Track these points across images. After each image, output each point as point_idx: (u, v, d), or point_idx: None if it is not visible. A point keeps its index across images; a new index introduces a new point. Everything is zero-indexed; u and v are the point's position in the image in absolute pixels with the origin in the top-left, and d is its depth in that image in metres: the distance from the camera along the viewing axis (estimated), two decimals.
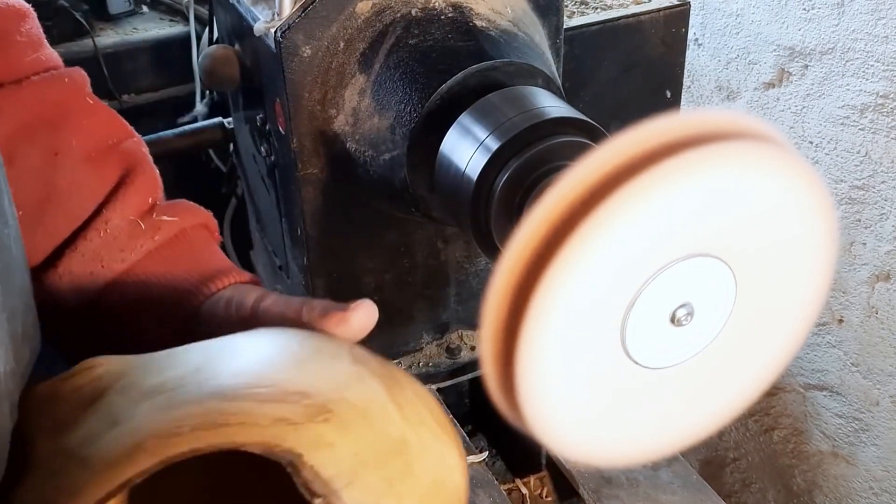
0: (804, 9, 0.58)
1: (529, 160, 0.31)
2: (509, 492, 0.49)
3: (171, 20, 0.73)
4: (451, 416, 0.40)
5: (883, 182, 0.57)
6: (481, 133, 0.33)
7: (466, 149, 0.33)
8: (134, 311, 0.31)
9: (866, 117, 0.56)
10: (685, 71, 0.50)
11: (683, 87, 0.50)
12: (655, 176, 0.21)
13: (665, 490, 0.44)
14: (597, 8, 0.47)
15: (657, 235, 0.22)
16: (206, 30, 0.62)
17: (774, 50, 0.61)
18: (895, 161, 0.56)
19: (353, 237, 0.42)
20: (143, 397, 0.21)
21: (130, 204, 0.31)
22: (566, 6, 0.43)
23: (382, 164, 0.37)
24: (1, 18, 0.31)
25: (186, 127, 0.56)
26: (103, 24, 0.72)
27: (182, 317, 0.30)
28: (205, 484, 0.25)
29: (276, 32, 0.36)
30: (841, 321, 0.63)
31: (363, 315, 0.26)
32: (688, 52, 0.50)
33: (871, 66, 0.55)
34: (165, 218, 0.32)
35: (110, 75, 0.67)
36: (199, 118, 0.64)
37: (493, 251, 0.33)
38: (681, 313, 0.24)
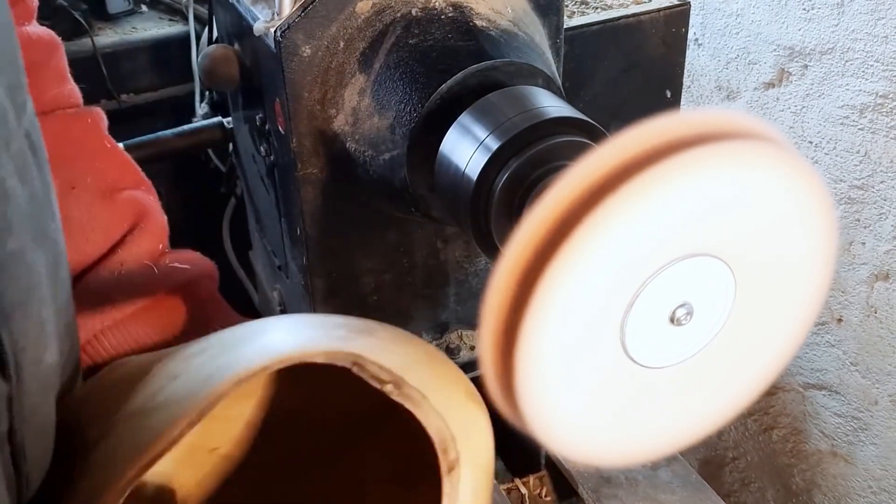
0: (804, 9, 0.58)
1: (529, 160, 0.31)
2: (508, 491, 0.49)
3: (171, 20, 0.73)
4: None
5: (882, 182, 0.57)
6: (481, 133, 0.33)
7: (466, 148, 0.33)
8: (132, 352, 0.31)
9: (866, 117, 0.56)
10: (685, 71, 0.50)
11: (683, 86, 0.50)
12: (655, 175, 0.21)
13: (664, 489, 0.44)
14: (597, 8, 0.47)
15: (657, 235, 0.22)
16: (206, 29, 0.62)
17: (774, 50, 0.61)
18: (894, 161, 0.56)
19: (352, 237, 0.42)
20: (192, 356, 0.22)
21: (145, 248, 0.32)
22: (566, 6, 0.43)
23: (382, 163, 0.37)
24: (35, 49, 0.31)
25: (185, 126, 0.56)
26: (102, 23, 0.71)
27: None
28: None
29: (275, 32, 0.36)
30: (840, 320, 0.63)
31: None
32: (688, 52, 0.50)
33: (871, 66, 0.55)
34: (177, 265, 0.33)
35: (109, 75, 0.66)
36: (203, 119, 0.64)
37: (492, 251, 0.33)
38: (680, 313, 0.24)
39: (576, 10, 0.47)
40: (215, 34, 0.50)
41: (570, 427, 0.25)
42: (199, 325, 0.32)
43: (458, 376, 0.21)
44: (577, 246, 0.21)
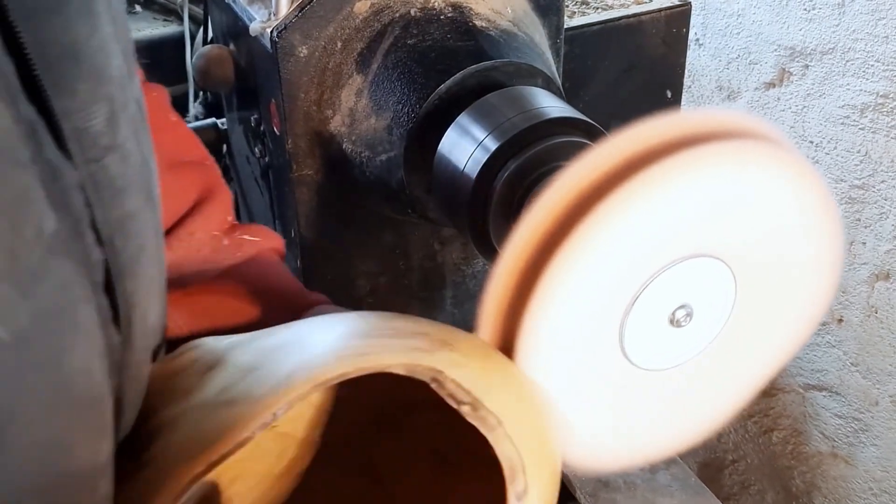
0: (805, 9, 0.58)
1: (529, 160, 0.31)
2: None
3: (165, 20, 0.72)
4: None
5: (883, 181, 0.57)
6: (480, 133, 0.33)
7: (465, 149, 0.33)
8: (204, 325, 0.30)
9: (866, 117, 0.56)
10: (686, 71, 0.50)
11: (684, 87, 0.50)
12: (654, 174, 0.21)
13: (663, 493, 0.44)
14: (598, 8, 0.47)
15: (656, 235, 0.22)
16: (201, 29, 0.62)
17: (775, 50, 0.61)
18: (895, 160, 0.56)
19: (347, 239, 0.41)
20: (271, 350, 0.22)
21: (214, 219, 0.32)
22: (567, 6, 0.43)
23: (379, 164, 0.37)
24: None
25: None
26: None
27: None
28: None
29: (272, 32, 0.36)
30: (840, 321, 0.63)
31: None
32: (689, 52, 0.50)
33: (872, 65, 0.55)
34: (247, 237, 0.32)
35: None
36: (197, 118, 0.64)
37: (490, 252, 0.32)
38: (680, 314, 0.24)
39: (576, 10, 0.47)
40: (210, 34, 0.50)
41: (567, 430, 0.24)
42: (268, 298, 0.31)
43: (535, 399, 0.21)
44: (575, 246, 0.21)
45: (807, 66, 0.59)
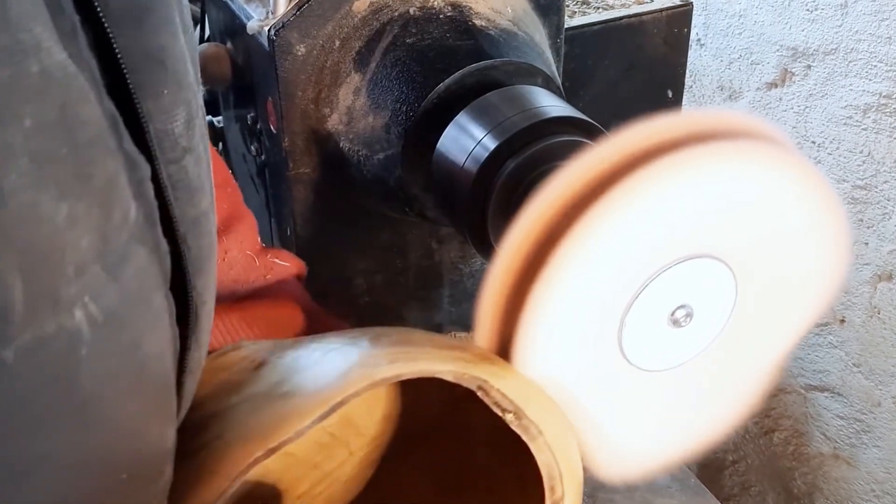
0: (807, 9, 0.57)
1: (528, 159, 0.31)
2: None
3: None
4: None
5: (885, 182, 0.57)
6: (479, 132, 0.32)
7: (464, 147, 0.33)
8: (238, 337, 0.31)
9: (869, 117, 0.56)
10: (687, 71, 0.49)
11: (685, 87, 0.50)
12: (654, 173, 0.21)
13: (662, 494, 0.44)
14: (598, 7, 0.47)
15: (656, 234, 0.22)
16: (198, 27, 0.62)
17: (777, 50, 0.61)
18: None
19: (344, 238, 0.41)
20: (320, 352, 0.23)
21: (248, 239, 0.33)
22: (567, 6, 0.43)
23: (376, 163, 0.36)
24: None
25: None
26: None
27: None
28: None
29: (269, 30, 0.36)
30: (843, 321, 0.63)
31: None
32: (690, 53, 0.50)
33: (875, 66, 0.54)
34: (277, 261, 0.33)
35: None
36: None
37: (488, 251, 0.32)
38: (680, 314, 0.24)
39: (577, 9, 0.46)
40: (207, 32, 0.49)
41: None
42: (293, 323, 0.32)
43: (563, 414, 0.23)
44: (573, 244, 0.21)
45: (809, 67, 0.59)
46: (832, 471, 0.67)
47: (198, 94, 0.18)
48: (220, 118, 0.54)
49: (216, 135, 0.54)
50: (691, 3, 0.47)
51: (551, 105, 0.32)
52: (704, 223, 0.22)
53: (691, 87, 0.69)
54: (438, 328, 0.47)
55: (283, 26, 0.35)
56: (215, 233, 0.20)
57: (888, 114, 0.55)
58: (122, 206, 0.15)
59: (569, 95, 0.39)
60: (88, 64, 0.14)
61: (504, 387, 0.21)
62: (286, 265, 0.33)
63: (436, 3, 0.36)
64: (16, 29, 0.12)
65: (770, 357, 0.26)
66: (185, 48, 0.17)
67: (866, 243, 0.59)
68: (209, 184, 0.19)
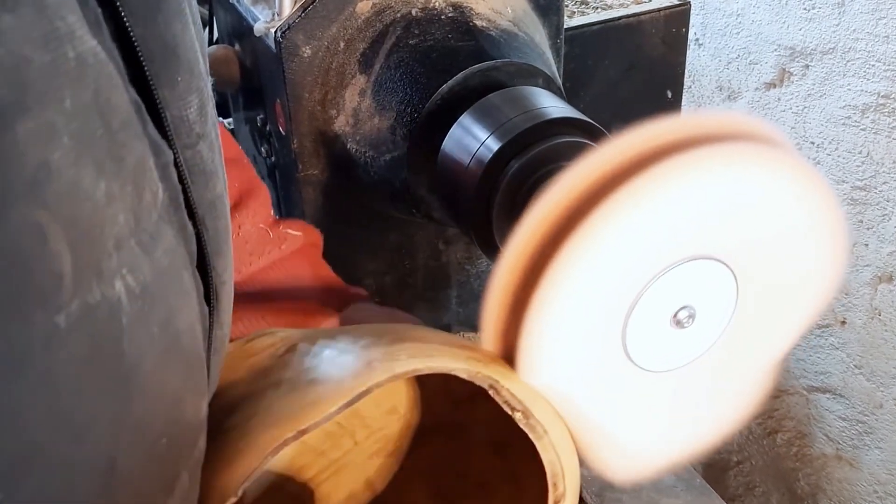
0: (805, 8, 0.58)
1: (531, 160, 0.31)
2: None
3: None
4: None
5: (885, 183, 0.57)
6: (482, 133, 0.33)
7: (468, 149, 0.33)
8: (246, 317, 0.31)
9: (868, 117, 0.56)
10: (686, 71, 0.50)
11: (684, 87, 0.50)
12: (655, 176, 0.21)
13: (668, 493, 0.44)
14: (597, 8, 0.47)
15: (657, 236, 0.22)
16: (206, 30, 0.62)
17: (775, 50, 0.61)
18: None
19: (353, 238, 0.42)
20: (346, 343, 0.24)
21: (260, 213, 0.33)
22: (566, 6, 0.43)
23: (383, 164, 0.37)
24: None
25: None
26: None
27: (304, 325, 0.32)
28: None
29: (276, 32, 0.36)
30: (844, 323, 0.63)
31: None
32: (688, 52, 0.50)
33: (873, 65, 0.55)
34: (290, 231, 0.34)
35: None
36: None
37: (493, 252, 0.32)
38: (682, 315, 0.24)
39: (576, 10, 0.47)
40: (216, 35, 0.50)
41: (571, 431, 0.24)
42: (313, 291, 0.33)
43: (562, 418, 0.24)
44: (577, 246, 0.21)
45: (807, 66, 0.59)
46: (835, 472, 0.67)
47: (208, 83, 0.19)
48: (230, 120, 0.54)
49: None
50: (689, 2, 0.47)
51: (553, 106, 0.33)
52: (705, 225, 0.23)
53: (690, 87, 0.69)
54: (446, 328, 0.47)
55: (288, 28, 0.36)
56: (229, 215, 0.21)
57: (887, 114, 0.55)
58: (151, 187, 0.16)
59: (569, 96, 0.40)
60: (112, 53, 0.15)
61: (513, 387, 0.22)
62: (298, 235, 0.34)
63: (437, 4, 0.37)
64: (52, 17, 0.13)
65: (771, 357, 0.26)
66: (194, 38, 0.18)
67: (866, 245, 0.59)
68: (221, 169, 0.20)
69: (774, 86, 0.62)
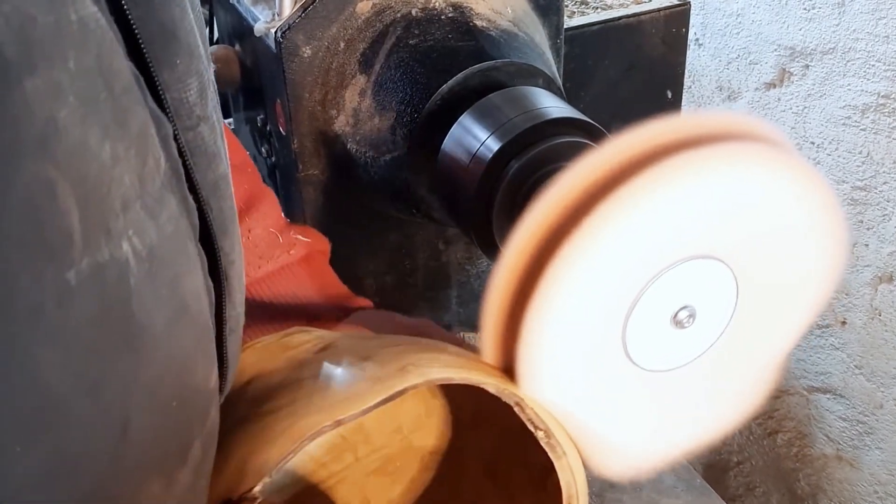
0: (805, 8, 0.58)
1: (531, 160, 0.31)
2: None
3: None
4: None
5: (885, 183, 0.57)
6: (482, 133, 0.33)
7: (468, 149, 0.33)
8: (255, 320, 0.32)
9: (868, 117, 0.56)
10: (686, 71, 0.50)
11: (684, 87, 0.50)
12: (656, 176, 0.21)
13: (668, 494, 0.44)
14: (597, 8, 0.47)
15: (657, 236, 0.22)
16: (207, 30, 0.62)
17: (775, 50, 0.61)
18: None
19: (353, 239, 0.42)
20: (378, 346, 0.25)
21: (270, 216, 0.34)
22: (566, 6, 0.43)
23: (383, 164, 0.37)
24: None
25: None
26: None
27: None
28: None
29: (276, 33, 0.36)
30: (844, 323, 0.63)
31: None
32: (688, 53, 0.50)
33: (873, 65, 0.55)
34: (300, 237, 0.34)
35: None
36: None
37: (494, 252, 0.32)
38: (682, 315, 0.24)
39: (576, 10, 0.47)
40: (216, 35, 0.50)
41: (571, 431, 0.24)
42: (319, 297, 0.33)
43: (574, 441, 0.25)
44: (577, 246, 0.21)
45: (807, 67, 0.59)
46: (835, 472, 0.67)
47: (209, 68, 0.19)
48: (230, 120, 0.54)
49: None
50: (689, 2, 0.47)
51: (553, 106, 0.33)
52: (705, 225, 0.23)
53: (690, 87, 0.69)
54: (447, 329, 0.47)
55: (289, 28, 0.36)
56: (233, 196, 0.21)
57: (887, 114, 0.55)
58: (154, 154, 0.16)
59: (569, 96, 0.40)
60: (112, 25, 0.15)
61: (536, 407, 0.23)
62: (307, 241, 0.34)
63: (437, 4, 0.37)
64: None
65: (771, 356, 0.26)
66: (193, 23, 0.18)
67: (866, 245, 0.59)
68: (224, 150, 0.20)
69: (774, 86, 0.62)
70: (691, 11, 0.48)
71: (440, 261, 0.44)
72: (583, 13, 0.47)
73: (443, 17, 0.37)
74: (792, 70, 0.61)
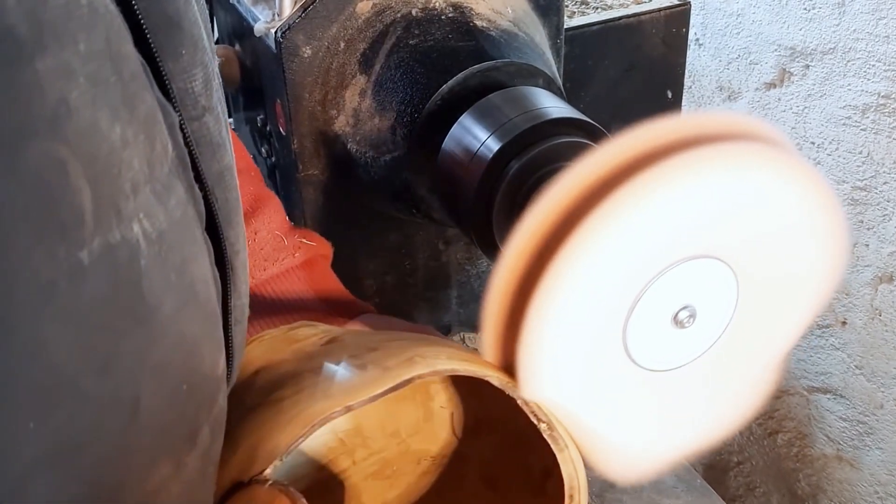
0: (805, 8, 0.58)
1: (531, 160, 0.31)
2: None
3: None
4: None
5: (885, 183, 0.57)
6: (482, 133, 0.33)
7: (468, 149, 0.33)
8: (260, 316, 0.32)
9: (868, 118, 0.56)
10: (686, 71, 0.50)
11: (684, 87, 0.50)
12: (657, 175, 0.21)
13: (669, 494, 0.44)
14: (597, 8, 0.47)
15: (657, 236, 0.22)
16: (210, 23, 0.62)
17: (775, 50, 0.61)
18: None
19: (354, 239, 0.42)
20: (385, 340, 0.25)
21: (275, 219, 0.34)
22: (566, 6, 0.43)
23: (383, 165, 0.37)
24: None
25: None
26: None
27: None
28: None
29: (276, 33, 0.36)
30: (844, 323, 0.63)
31: None
32: (689, 53, 0.50)
33: (873, 65, 0.55)
34: (304, 241, 0.34)
35: None
36: None
37: (494, 252, 0.32)
38: (683, 315, 0.24)
39: (576, 10, 0.47)
40: (216, 35, 0.50)
41: (571, 431, 0.24)
42: (324, 301, 0.33)
43: (574, 436, 0.25)
44: (577, 246, 0.21)
45: (807, 67, 0.59)
46: (836, 472, 0.67)
47: (213, 60, 0.19)
48: (230, 120, 0.54)
49: None
50: (689, 2, 0.47)
51: (553, 106, 0.33)
52: (706, 224, 0.23)
53: (690, 87, 0.69)
54: (447, 329, 0.47)
55: (289, 28, 0.36)
56: (238, 187, 0.21)
57: (887, 114, 0.55)
58: (162, 140, 0.16)
59: (569, 96, 0.40)
60: (119, 12, 0.15)
61: (540, 401, 0.23)
62: (312, 245, 0.34)
63: (437, 4, 0.37)
64: None
65: (771, 356, 0.27)
66: (197, 14, 0.18)
67: (867, 245, 0.59)
68: (229, 141, 0.20)
69: (775, 86, 0.62)
70: (691, 11, 0.47)
71: (440, 261, 0.44)
72: (583, 13, 0.47)
73: (443, 17, 0.37)
74: (792, 70, 0.61)
